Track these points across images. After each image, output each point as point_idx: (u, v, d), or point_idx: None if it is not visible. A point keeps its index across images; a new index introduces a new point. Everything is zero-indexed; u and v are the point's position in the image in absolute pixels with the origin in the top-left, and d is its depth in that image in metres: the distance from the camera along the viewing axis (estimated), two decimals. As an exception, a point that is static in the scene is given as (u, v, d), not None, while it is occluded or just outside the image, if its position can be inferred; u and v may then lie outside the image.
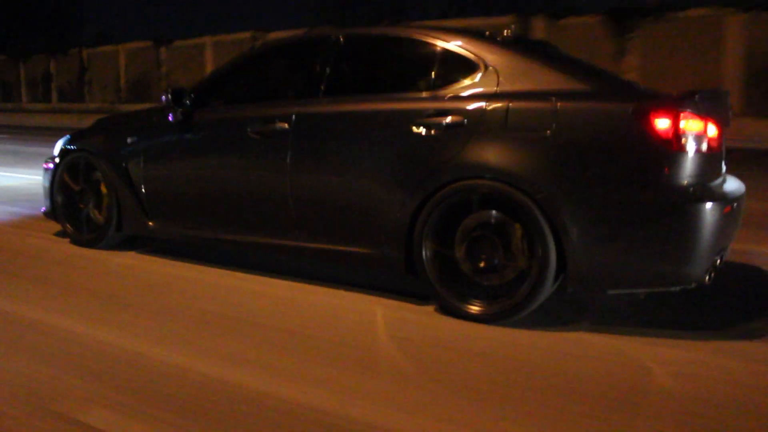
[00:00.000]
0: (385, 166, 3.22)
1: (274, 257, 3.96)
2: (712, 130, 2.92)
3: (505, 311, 2.96)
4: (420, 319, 3.07)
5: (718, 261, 2.91)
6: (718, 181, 3.09)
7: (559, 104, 2.92)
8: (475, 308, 3.01)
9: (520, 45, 3.35)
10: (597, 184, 2.84)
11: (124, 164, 4.09)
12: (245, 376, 2.43)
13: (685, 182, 2.78)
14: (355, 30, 3.66)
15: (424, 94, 3.22)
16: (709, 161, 2.91)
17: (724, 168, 3.30)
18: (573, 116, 2.91)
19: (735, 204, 3.01)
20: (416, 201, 3.11)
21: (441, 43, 3.27)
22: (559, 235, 2.84)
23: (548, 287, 2.91)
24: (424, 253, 3.11)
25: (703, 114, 2.86)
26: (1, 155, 11.12)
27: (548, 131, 2.90)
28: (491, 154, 2.99)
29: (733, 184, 3.31)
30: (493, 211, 2.99)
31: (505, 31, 3.43)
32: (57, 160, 4.44)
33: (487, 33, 3.37)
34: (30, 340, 2.78)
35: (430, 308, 3.17)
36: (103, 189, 4.23)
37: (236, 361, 2.56)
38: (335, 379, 2.41)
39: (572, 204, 2.83)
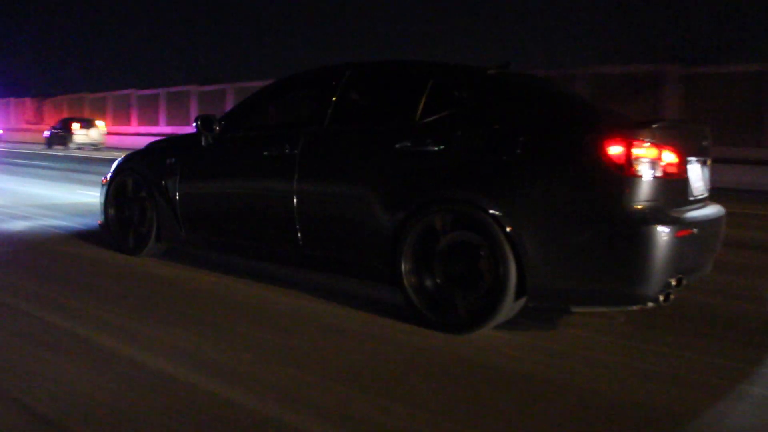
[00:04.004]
0: (373, 185, 3.56)
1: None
2: (670, 157, 3.09)
3: (468, 323, 3.22)
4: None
5: (676, 282, 3.04)
6: (683, 205, 3.24)
7: (522, 134, 3.19)
8: (444, 319, 3.28)
9: (502, 79, 3.63)
10: (556, 207, 3.06)
11: (163, 182, 4.64)
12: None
13: (638, 206, 2.97)
14: (360, 62, 4.06)
15: (408, 121, 3.56)
16: (666, 186, 3.08)
17: (698, 194, 3.45)
18: (534, 144, 3.17)
19: (696, 229, 3.15)
20: (398, 218, 3.43)
21: (423, 75, 3.61)
22: (520, 255, 3.08)
23: (509, 302, 3.14)
24: (403, 266, 3.42)
25: (661, 142, 3.05)
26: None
27: (512, 159, 3.16)
28: (463, 178, 3.27)
29: (706, 211, 3.44)
30: (464, 232, 3.27)
31: (492, 68, 3.71)
32: (111, 177, 5.06)
33: (479, 67, 3.68)
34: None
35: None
36: (147, 204, 4.79)
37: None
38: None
39: (532, 226, 3.07)
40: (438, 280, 3.34)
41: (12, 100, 43.81)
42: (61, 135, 28.12)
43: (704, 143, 3.60)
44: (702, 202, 3.54)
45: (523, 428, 2.31)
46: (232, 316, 3.53)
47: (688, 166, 3.35)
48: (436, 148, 3.37)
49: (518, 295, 3.14)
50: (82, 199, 8.65)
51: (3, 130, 36.33)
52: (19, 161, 18.15)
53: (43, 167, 15.54)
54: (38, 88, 45.05)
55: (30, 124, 39.18)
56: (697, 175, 3.48)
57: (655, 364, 2.96)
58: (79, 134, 27.85)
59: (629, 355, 3.07)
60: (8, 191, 9.57)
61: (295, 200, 3.86)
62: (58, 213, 7.19)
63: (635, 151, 2.96)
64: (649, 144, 3.00)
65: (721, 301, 4.13)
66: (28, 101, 42.13)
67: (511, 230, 3.08)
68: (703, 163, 3.64)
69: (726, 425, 2.39)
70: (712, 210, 3.56)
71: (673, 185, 3.16)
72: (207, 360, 2.86)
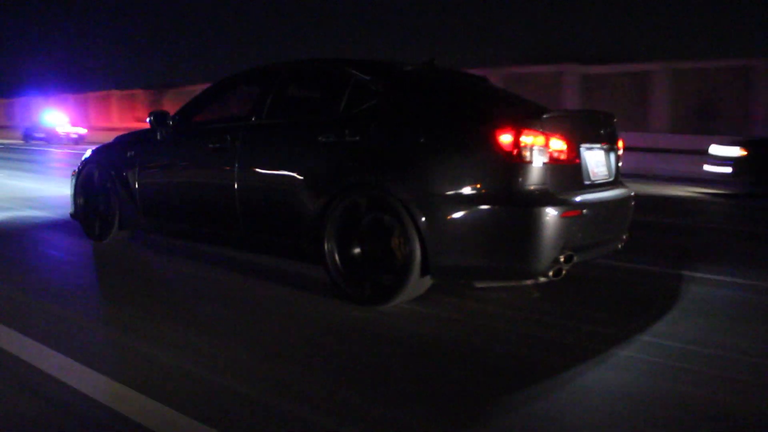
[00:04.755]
0: (301, 173, 3.88)
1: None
2: (558, 145, 3.38)
3: (381, 297, 3.54)
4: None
5: (564, 259, 3.34)
6: (576, 189, 3.52)
7: (425, 125, 3.50)
8: (360, 294, 3.61)
9: (417, 74, 3.94)
10: (453, 191, 3.35)
11: (124, 173, 4.99)
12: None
13: (526, 189, 3.27)
14: (295, 61, 4.38)
15: (332, 114, 3.88)
16: (555, 171, 3.37)
17: (597, 178, 3.74)
18: (436, 133, 3.47)
19: (587, 210, 3.44)
20: (321, 203, 3.75)
21: (347, 72, 3.93)
22: (423, 235, 3.39)
23: (416, 279, 3.45)
24: (326, 246, 3.74)
25: (549, 131, 3.34)
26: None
27: (416, 147, 3.47)
28: (375, 166, 3.59)
29: (605, 194, 3.73)
30: (379, 214, 3.59)
31: (409, 65, 4.03)
32: (79, 169, 5.42)
33: (397, 63, 3.98)
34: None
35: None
36: (111, 194, 5.14)
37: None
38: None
39: (433, 208, 3.37)
40: (356, 258, 3.66)
41: (115, 92, 35.33)
42: None
43: (605, 131, 3.89)
44: (604, 186, 3.82)
45: (401, 383, 2.64)
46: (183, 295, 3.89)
47: (585, 153, 3.64)
48: (353, 139, 3.68)
49: (424, 272, 3.45)
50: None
51: (87, 129, 30.26)
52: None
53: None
54: (153, 77, 39.30)
55: (142, 121, 32.71)
56: (596, 161, 3.77)
57: (545, 332, 3.27)
58: None
59: (525, 326, 3.39)
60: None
61: (236, 188, 4.19)
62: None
63: (523, 139, 3.26)
64: (536, 132, 3.29)
65: (625, 276, 4.49)
66: (141, 93, 33.97)
67: (415, 212, 3.39)
68: (609, 150, 3.93)
69: (580, 381, 2.69)
70: (613, 193, 3.85)
71: (564, 170, 3.45)
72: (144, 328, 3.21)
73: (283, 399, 2.46)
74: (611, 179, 3.94)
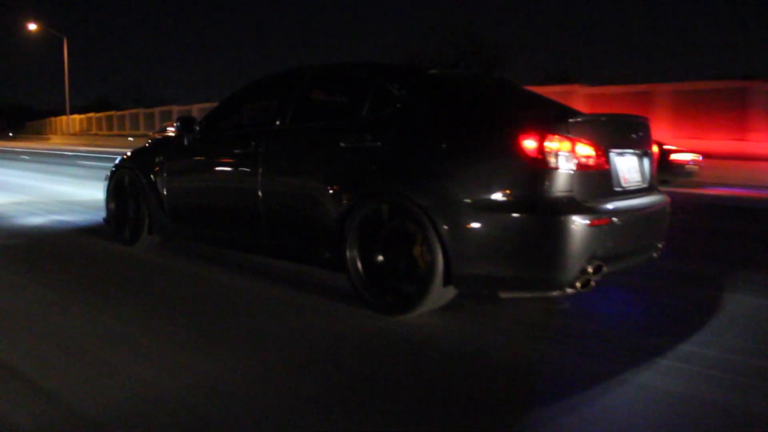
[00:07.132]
0: (323, 179, 3.83)
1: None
2: (585, 150, 3.24)
3: (403, 306, 3.46)
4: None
5: (593, 269, 3.19)
6: (606, 195, 3.38)
7: (448, 131, 3.41)
8: (382, 303, 3.54)
9: (441, 79, 3.84)
10: (476, 199, 3.23)
11: (153, 178, 5.02)
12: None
13: (551, 196, 3.14)
14: (319, 65, 4.33)
15: (354, 118, 3.82)
16: (582, 177, 3.23)
17: (629, 184, 3.58)
18: (459, 139, 3.38)
19: (617, 217, 3.29)
20: (343, 209, 3.69)
21: (369, 77, 3.86)
22: (445, 244, 3.30)
23: (438, 289, 3.35)
24: (348, 253, 3.68)
25: (576, 136, 3.20)
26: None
27: (438, 153, 3.38)
28: (396, 171, 3.51)
29: (637, 201, 3.58)
30: (401, 221, 3.50)
31: (434, 69, 3.94)
32: (111, 174, 5.48)
33: (420, 67, 3.89)
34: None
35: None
36: (141, 199, 5.18)
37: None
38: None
39: (455, 216, 3.27)
40: (378, 266, 3.59)
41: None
42: None
43: (638, 135, 3.73)
44: (637, 192, 3.66)
45: (420, 395, 2.56)
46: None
47: (616, 158, 3.49)
48: (375, 144, 3.61)
49: (447, 282, 3.35)
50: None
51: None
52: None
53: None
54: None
55: None
56: (629, 167, 3.61)
57: (581, 341, 3.23)
58: None
59: (559, 335, 3.29)
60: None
61: (260, 193, 4.17)
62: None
63: (548, 145, 3.14)
64: (562, 138, 3.16)
65: (662, 284, 4.36)
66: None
67: (436, 220, 3.30)
68: (642, 155, 3.77)
69: (625, 387, 2.59)
70: (647, 200, 3.69)
71: (592, 176, 3.31)
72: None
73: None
74: (645, 185, 3.77)
